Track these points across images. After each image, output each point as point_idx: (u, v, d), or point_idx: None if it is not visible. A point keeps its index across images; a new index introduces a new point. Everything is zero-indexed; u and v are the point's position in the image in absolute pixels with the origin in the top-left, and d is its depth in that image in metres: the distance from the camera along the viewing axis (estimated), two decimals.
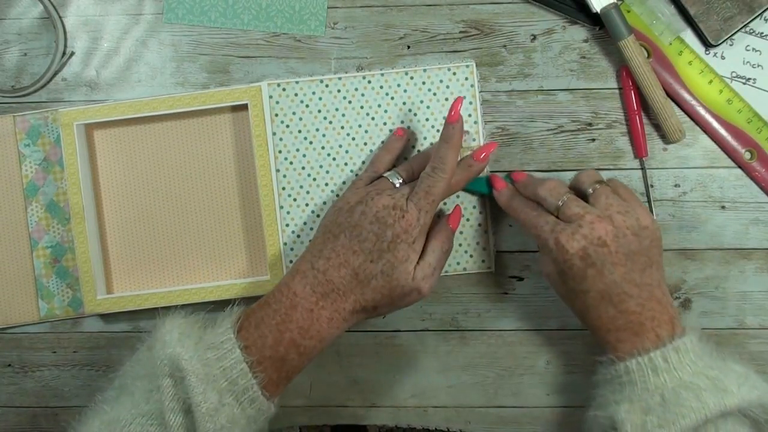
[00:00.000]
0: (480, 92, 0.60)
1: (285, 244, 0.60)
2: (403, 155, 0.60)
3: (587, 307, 0.51)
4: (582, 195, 0.53)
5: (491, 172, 0.60)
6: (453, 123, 0.53)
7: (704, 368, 0.48)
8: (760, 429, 0.48)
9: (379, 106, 0.60)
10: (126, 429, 0.48)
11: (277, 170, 0.60)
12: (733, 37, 0.59)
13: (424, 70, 0.60)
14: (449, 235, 0.55)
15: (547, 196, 0.53)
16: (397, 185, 0.55)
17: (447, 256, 0.55)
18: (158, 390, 0.48)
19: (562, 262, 0.50)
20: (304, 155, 0.60)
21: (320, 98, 0.60)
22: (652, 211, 0.60)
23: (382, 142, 0.60)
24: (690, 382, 0.47)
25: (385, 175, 0.56)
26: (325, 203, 0.60)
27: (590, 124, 0.60)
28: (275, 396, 0.51)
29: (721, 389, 0.47)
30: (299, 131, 0.60)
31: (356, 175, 0.60)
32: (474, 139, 0.60)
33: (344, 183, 0.60)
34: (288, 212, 0.60)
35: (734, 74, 0.59)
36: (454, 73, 0.59)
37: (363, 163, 0.60)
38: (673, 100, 0.59)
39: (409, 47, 0.61)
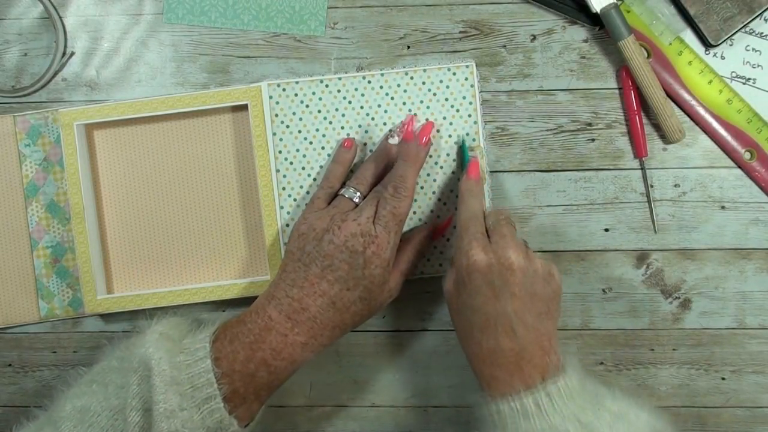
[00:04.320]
0: (480, 92, 0.60)
1: (285, 244, 0.60)
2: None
3: (471, 328, 0.50)
4: None
5: (492, 172, 0.61)
6: (409, 141, 0.55)
7: (577, 412, 0.47)
8: None
9: (379, 106, 0.60)
10: (94, 419, 0.49)
11: (277, 170, 0.60)
12: (733, 37, 0.59)
13: (424, 70, 0.60)
14: (427, 241, 0.57)
15: (493, 216, 0.53)
16: (356, 200, 0.55)
17: (421, 257, 0.57)
18: (127, 386, 0.49)
19: (465, 268, 0.50)
20: (304, 155, 0.60)
21: (320, 98, 0.60)
22: (652, 211, 0.60)
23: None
24: (560, 428, 0.46)
25: (342, 192, 0.55)
26: None
27: (590, 124, 0.60)
28: (243, 412, 0.51)
29: None
30: (299, 131, 0.60)
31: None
32: (474, 140, 0.60)
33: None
34: (288, 212, 0.60)
35: (734, 74, 0.59)
36: (454, 74, 0.59)
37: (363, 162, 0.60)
38: (673, 100, 0.59)
39: (409, 47, 0.61)
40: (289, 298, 0.52)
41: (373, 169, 0.56)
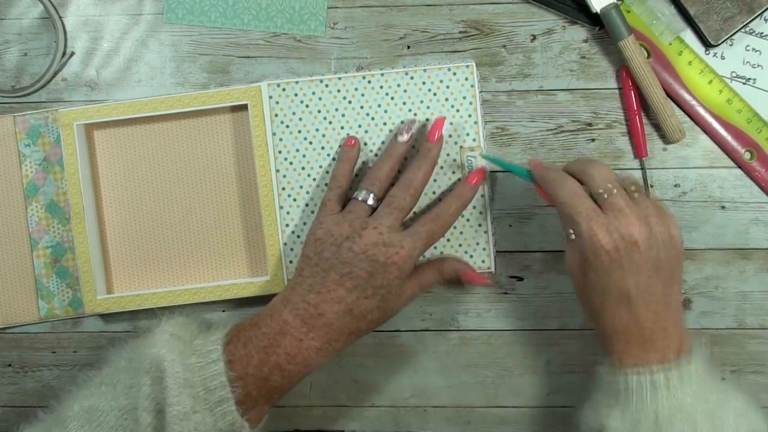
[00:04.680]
0: (480, 92, 0.60)
1: (285, 244, 0.60)
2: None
3: (603, 306, 0.50)
4: None
5: (492, 172, 0.61)
6: (472, 185, 0.56)
7: (704, 396, 0.47)
8: None
9: (379, 106, 0.60)
10: (102, 419, 0.49)
11: (277, 170, 0.60)
12: (733, 37, 0.59)
13: (424, 70, 0.60)
14: (454, 276, 0.57)
15: (597, 176, 0.50)
16: (370, 202, 0.55)
17: (441, 284, 0.58)
18: (137, 386, 0.49)
19: (590, 252, 0.49)
20: (304, 155, 0.60)
21: (320, 98, 0.60)
22: None
23: (381, 143, 0.60)
24: (686, 408, 0.46)
25: (356, 196, 0.55)
26: None
27: (590, 124, 0.60)
28: (253, 415, 0.51)
29: (718, 422, 0.46)
30: (299, 131, 0.60)
31: (356, 175, 0.60)
32: (474, 140, 0.60)
33: None
34: (288, 212, 0.60)
35: (734, 74, 0.59)
36: (454, 73, 0.59)
37: (363, 163, 0.60)
38: (673, 100, 0.59)
39: (409, 47, 0.61)
40: (306, 303, 0.52)
41: (385, 168, 0.56)
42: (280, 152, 0.60)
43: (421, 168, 0.55)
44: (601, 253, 0.48)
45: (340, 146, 0.60)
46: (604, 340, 0.50)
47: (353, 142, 0.58)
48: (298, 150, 0.60)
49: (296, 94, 0.60)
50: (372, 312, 0.52)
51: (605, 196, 0.49)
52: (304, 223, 0.60)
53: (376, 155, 0.60)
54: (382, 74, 0.60)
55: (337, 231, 0.53)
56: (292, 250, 0.60)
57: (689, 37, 0.59)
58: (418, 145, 0.59)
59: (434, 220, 0.54)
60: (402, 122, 0.59)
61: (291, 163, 0.60)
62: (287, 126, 0.60)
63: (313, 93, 0.60)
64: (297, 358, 0.51)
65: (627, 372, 0.48)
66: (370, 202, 0.55)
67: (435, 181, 0.60)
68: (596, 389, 0.51)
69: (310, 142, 0.60)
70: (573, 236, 0.50)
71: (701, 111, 0.59)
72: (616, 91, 0.60)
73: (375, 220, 0.53)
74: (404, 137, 0.57)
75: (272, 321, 0.52)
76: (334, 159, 0.60)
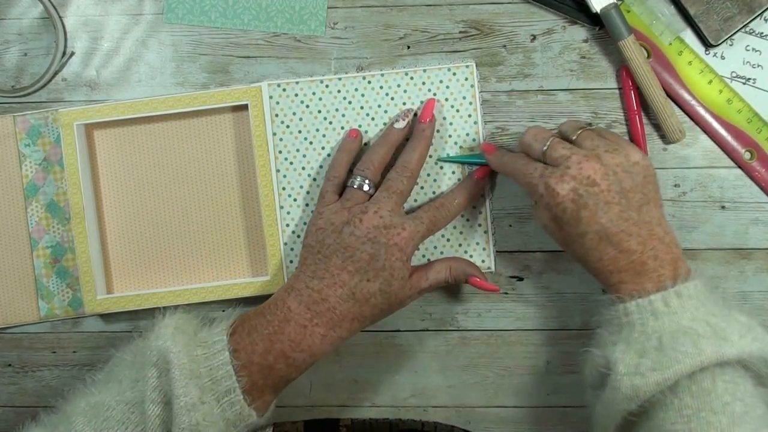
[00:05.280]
0: (480, 92, 0.60)
1: (285, 244, 0.60)
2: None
3: (587, 250, 0.50)
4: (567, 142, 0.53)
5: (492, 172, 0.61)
6: (477, 178, 0.58)
7: (706, 315, 0.47)
8: (762, 383, 0.47)
9: (379, 106, 0.60)
10: (109, 413, 0.49)
11: (277, 170, 0.60)
12: (733, 37, 0.59)
13: (424, 71, 0.60)
14: (463, 279, 0.57)
15: (532, 141, 0.52)
16: (365, 188, 0.55)
17: (447, 282, 0.57)
18: (143, 379, 0.49)
19: (555, 206, 0.49)
20: (304, 155, 0.60)
21: (320, 98, 0.60)
22: None
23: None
24: (689, 328, 0.46)
25: (351, 184, 0.55)
26: None
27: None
28: (260, 404, 0.52)
29: (721, 338, 0.46)
30: (299, 131, 0.60)
31: None
32: (474, 140, 0.60)
33: None
34: (288, 212, 0.60)
35: (734, 74, 0.59)
36: (454, 74, 0.59)
37: None
38: (673, 100, 0.59)
39: (409, 47, 0.61)
40: (309, 289, 0.52)
41: (380, 152, 0.56)
42: (280, 152, 0.60)
43: (416, 150, 0.56)
44: (564, 202, 0.49)
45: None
46: (601, 280, 0.51)
47: (356, 134, 0.58)
48: (298, 150, 0.60)
49: (296, 95, 0.60)
50: (375, 296, 0.52)
51: (546, 150, 0.51)
52: (305, 223, 0.60)
53: None
54: (382, 74, 0.60)
55: (337, 219, 0.54)
56: (292, 249, 0.60)
57: (689, 37, 0.59)
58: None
59: (438, 208, 0.55)
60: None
61: (291, 163, 0.60)
62: (287, 126, 0.60)
63: (314, 93, 0.60)
64: (301, 345, 0.51)
65: (626, 301, 0.48)
66: (366, 188, 0.55)
67: (435, 181, 0.60)
68: (600, 325, 0.51)
69: (311, 142, 0.60)
70: (536, 201, 0.51)
71: (701, 111, 0.59)
72: (616, 91, 0.60)
73: (375, 204, 0.53)
74: (401, 124, 0.57)
75: (276, 308, 0.52)
76: None
